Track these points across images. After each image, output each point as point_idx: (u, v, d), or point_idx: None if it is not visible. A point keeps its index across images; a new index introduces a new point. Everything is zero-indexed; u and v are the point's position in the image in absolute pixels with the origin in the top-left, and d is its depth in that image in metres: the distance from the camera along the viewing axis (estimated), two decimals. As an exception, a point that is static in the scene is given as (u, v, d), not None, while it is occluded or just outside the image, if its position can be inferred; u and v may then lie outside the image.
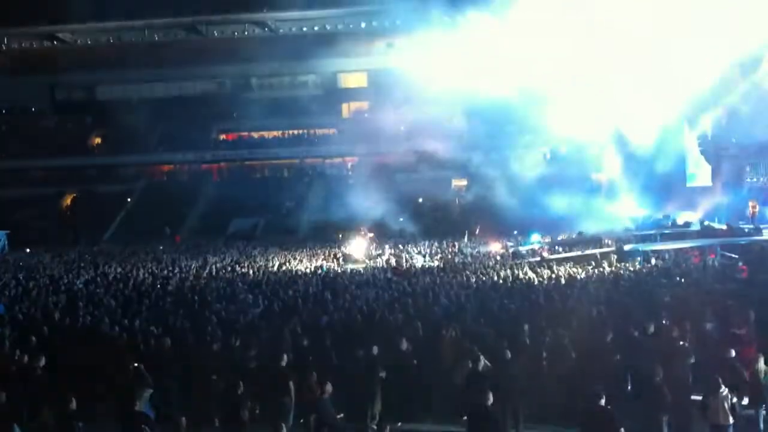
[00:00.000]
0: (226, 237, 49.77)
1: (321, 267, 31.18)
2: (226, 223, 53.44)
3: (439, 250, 36.52)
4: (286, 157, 63.48)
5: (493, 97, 43.04)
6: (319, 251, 38.16)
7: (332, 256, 36.03)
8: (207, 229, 52.15)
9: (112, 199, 58.93)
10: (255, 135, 66.29)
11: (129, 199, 59.08)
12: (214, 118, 65.55)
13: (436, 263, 30.63)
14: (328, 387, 10.79)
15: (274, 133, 66.05)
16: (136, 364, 11.88)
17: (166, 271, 29.41)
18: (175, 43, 66.02)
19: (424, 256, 33.69)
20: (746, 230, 31.17)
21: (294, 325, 15.20)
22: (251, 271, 29.18)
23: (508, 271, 25.27)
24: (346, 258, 34.59)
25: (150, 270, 30.13)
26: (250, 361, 12.49)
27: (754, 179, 38.78)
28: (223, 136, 66.88)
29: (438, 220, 48.08)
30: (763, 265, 22.98)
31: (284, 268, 30.82)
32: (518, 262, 29.43)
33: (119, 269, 30.92)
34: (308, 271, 29.57)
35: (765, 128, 37.37)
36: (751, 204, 35.29)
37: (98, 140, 66.86)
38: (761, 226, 31.09)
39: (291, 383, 11.41)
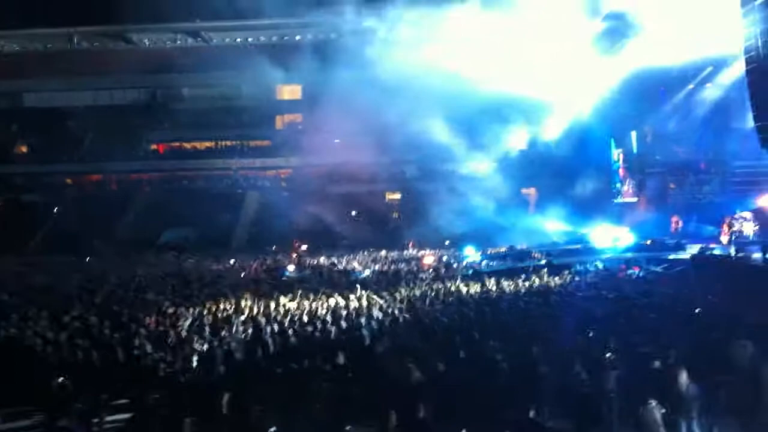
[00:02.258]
0: (157, 248, 48.90)
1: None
2: (157, 235, 52.54)
3: (373, 263, 36.59)
4: (219, 168, 62.79)
5: (428, 110, 43.64)
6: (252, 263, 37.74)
7: (264, 268, 35.83)
8: (137, 240, 51.13)
9: (39, 209, 57.39)
10: (187, 145, 65.43)
11: (56, 209, 57.57)
12: (145, 128, 64.49)
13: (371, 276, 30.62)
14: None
15: (207, 143, 65.29)
16: (62, 378, 11.60)
17: (93, 283, 28.71)
18: (105, 51, 64.72)
19: (364, 269, 33.53)
20: (670, 245, 32.17)
21: (227, 339, 15.09)
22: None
23: (440, 284, 25.50)
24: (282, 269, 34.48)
25: (77, 282, 29.37)
26: (180, 375, 12.34)
27: (678, 196, 40.17)
28: (154, 146, 65.77)
29: (373, 232, 48.18)
30: (687, 279, 23.71)
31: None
32: (451, 275, 29.73)
33: (45, 281, 30.06)
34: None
35: (688, 147, 38.88)
36: (674, 220, 36.47)
37: (24, 148, 65.00)
38: (684, 242, 32.16)
39: (224, 398, 11.18)
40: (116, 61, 62.86)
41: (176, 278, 30.54)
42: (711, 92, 36.99)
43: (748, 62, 27.25)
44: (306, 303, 21.01)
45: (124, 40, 64.76)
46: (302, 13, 52.26)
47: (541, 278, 26.14)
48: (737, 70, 31.87)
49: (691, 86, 38.01)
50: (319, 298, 21.85)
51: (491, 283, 24.83)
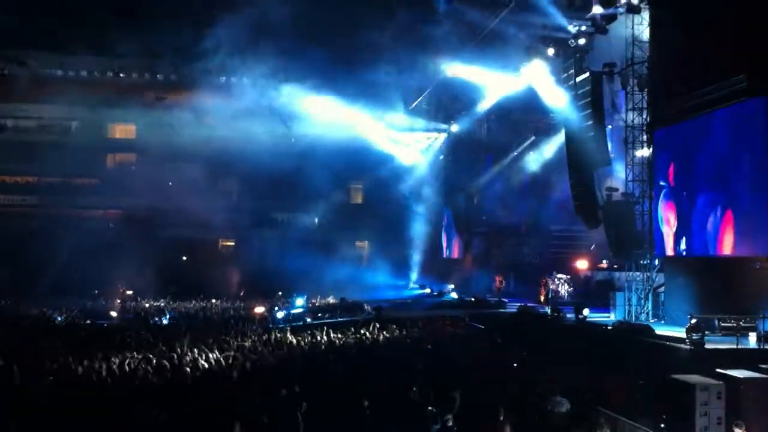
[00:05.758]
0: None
1: None
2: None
3: (202, 311, 35.85)
4: (41, 205, 59.24)
5: (266, 159, 43.71)
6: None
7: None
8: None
9: None
10: (7, 179, 61.34)
11: None
12: (-41, 158, 59.94)
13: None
14: None
15: (28, 178, 61.58)
16: None
17: None
18: None
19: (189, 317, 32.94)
20: (492, 303, 33.70)
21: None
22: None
23: (271, 335, 25.28)
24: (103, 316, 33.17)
25: None
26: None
27: (500, 256, 42.26)
28: (-34, 178, 61.19)
29: (204, 279, 46.96)
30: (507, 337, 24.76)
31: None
32: (280, 325, 29.56)
33: None
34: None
35: (508, 211, 41.21)
36: (497, 279, 38.27)
37: None
38: (505, 300, 33.80)
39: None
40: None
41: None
42: (533, 160, 39.28)
43: (567, 134, 29.48)
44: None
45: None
46: (141, 51, 51.02)
47: (370, 331, 26.48)
48: (558, 139, 34.27)
49: (515, 153, 40.32)
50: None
51: (322, 335, 24.90)
